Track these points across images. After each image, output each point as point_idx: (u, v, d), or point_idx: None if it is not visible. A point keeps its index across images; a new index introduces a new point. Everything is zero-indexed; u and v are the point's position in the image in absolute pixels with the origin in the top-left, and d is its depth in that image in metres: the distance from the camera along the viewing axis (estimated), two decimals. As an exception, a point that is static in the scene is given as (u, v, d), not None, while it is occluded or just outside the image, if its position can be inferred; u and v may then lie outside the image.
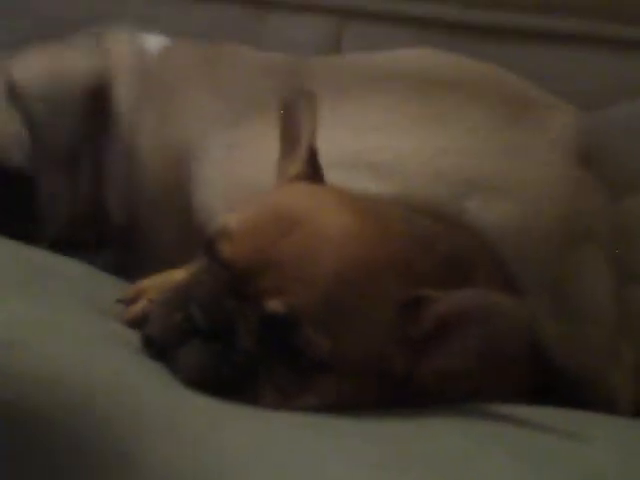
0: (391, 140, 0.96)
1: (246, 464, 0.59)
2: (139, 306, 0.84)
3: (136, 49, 1.16)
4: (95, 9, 1.32)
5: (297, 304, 0.70)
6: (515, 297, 0.75)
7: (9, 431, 0.61)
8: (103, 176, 1.14)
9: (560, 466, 0.65)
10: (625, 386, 0.94)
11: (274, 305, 0.70)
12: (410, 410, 0.73)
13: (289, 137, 0.84)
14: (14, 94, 1.13)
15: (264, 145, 0.91)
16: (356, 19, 1.22)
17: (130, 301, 0.86)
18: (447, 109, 0.97)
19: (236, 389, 0.70)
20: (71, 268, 0.97)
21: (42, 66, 1.14)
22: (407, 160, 0.94)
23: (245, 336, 0.71)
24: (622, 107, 1.09)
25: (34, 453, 0.60)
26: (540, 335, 0.89)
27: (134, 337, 0.77)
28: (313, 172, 0.82)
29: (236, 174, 1.00)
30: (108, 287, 0.95)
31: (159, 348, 0.73)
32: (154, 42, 1.18)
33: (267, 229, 0.73)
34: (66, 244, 1.11)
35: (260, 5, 1.25)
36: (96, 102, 1.13)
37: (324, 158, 0.83)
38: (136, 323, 0.81)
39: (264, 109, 1.01)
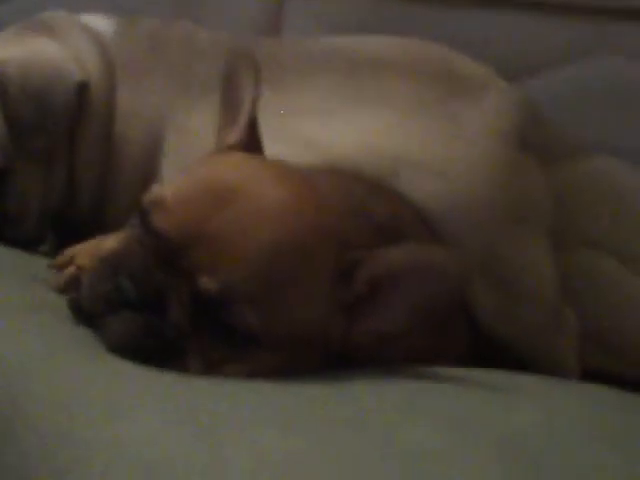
0: (327, 120, 0.97)
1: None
2: (69, 271, 0.83)
3: (92, 34, 1.14)
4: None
5: (229, 281, 0.69)
6: (446, 251, 0.75)
7: None
8: (77, 164, 1.12)
9: (480, 427, 0.65)
10: (570, 352, 0.94)
11: (206, 282, 0.69)
12: (339, 373, 0.73)
13: (230, 104, 0.83)
14: None
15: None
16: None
17: (61, 267, 0.86)
18: (382, 91, 0.98)
19: (165, 358, 0.70)
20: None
21: (26, 59, 1.10)
22: (341, 139, 0.95)
23: (176, 309, 0.70)
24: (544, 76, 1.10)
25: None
26: (478, 312, 0.89)
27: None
28: (252, 141, 0.81)
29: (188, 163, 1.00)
30: (40, 258, 0.96)
31: (87, 315, 0.73)
32: (104, 24, 1.15)
33: (201, 201, 0.72)
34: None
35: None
36: (79, 96, 1.10)
37: (263, 132, 0.82)
38: (65, 289, 0.81)
39: (214, 93, 1.00)
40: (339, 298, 0.73)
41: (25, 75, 1.08)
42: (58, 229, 1.14)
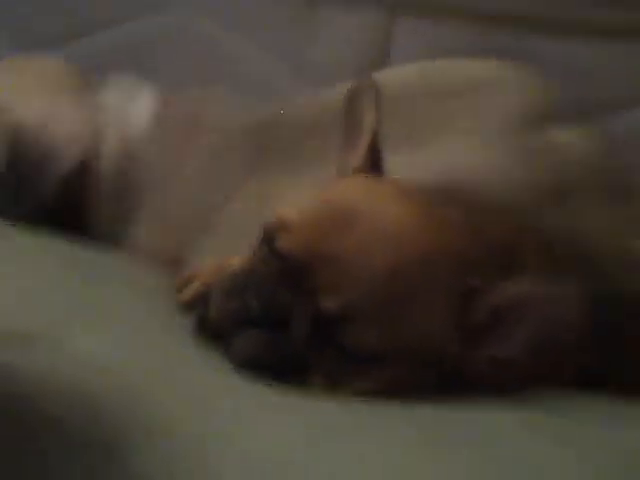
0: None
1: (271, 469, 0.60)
2: (192, 288, 0.86)
3: (123, 119, 1.13)
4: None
5: (350, 302, 0.72)
6: (564, 284, 0.75)
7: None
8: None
9: (604, 451, 0.67)
10: None
11: (327, 303, 0.72)
12: (460, 397, 0.75)
13: (351, 128, 0.85)
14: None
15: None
16: (406, 12, 1.22)
17: (182, 286, 0.88)
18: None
19: (287, 374, 0.72)
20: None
21: (42, 121, 1.09)
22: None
23: (299, 326, 0.73)
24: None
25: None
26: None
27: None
28: (374, 164, 0.84)
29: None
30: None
31: (212, 332, 0.76)
32: (143, 107, 1.14)
33: (325, 224, 0.75)
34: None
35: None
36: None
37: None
38: (192, 305, 0.83)
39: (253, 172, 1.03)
40: (458, 321, 0.75)
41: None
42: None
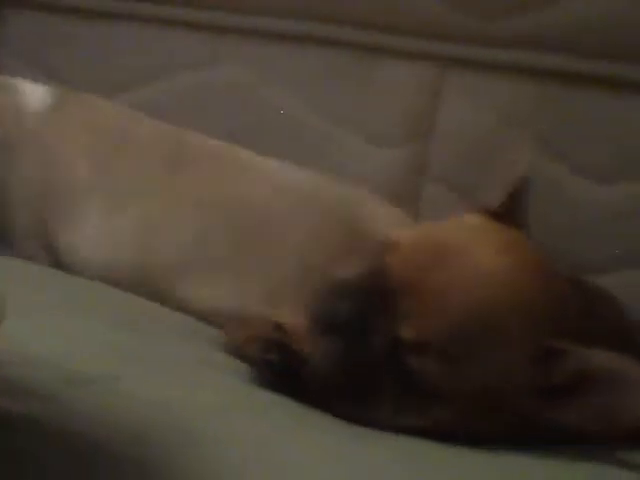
0: None
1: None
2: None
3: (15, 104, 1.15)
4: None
5: (426, 332, 0.74)
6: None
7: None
8: None
9: None
10: None
11: (406, 332, 0.75)
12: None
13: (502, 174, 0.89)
14: None
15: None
16: (458, 66, 1.23)
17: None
18: None
19: (355, 395, 0.76)
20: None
21: None
22: None
23: (377, 344, 0.76)
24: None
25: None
26: None
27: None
28: (509, 213, 0.87)
29: None
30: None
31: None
32: (37, 98, 1.16)
33: (428, 254, 0.78)
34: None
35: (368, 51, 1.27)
36: None
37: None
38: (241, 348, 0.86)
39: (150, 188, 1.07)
40: (535, 377, 0.76)
41: None
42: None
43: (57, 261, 1.09)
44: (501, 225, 0.85)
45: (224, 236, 1.04)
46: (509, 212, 0.87)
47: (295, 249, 1.01)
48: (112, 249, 1.06)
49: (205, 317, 0.99)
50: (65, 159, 1.12)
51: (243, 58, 1.32)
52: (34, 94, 1.16)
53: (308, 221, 1.04)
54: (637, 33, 1.13)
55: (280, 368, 0.79)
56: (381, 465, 0.68)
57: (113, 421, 0.66)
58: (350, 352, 0.76)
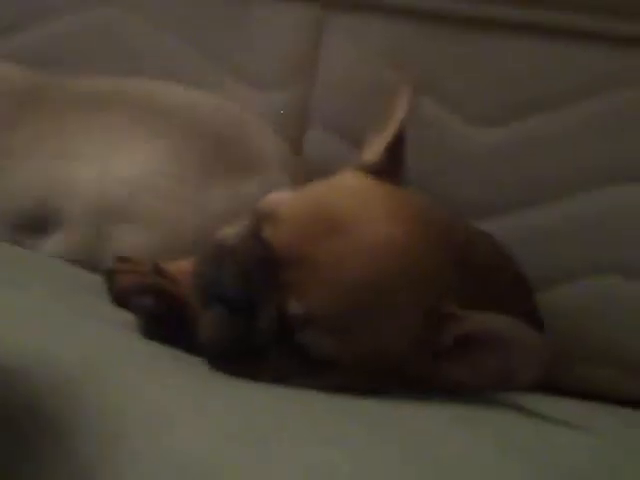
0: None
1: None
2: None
3: None
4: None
5: (315, 307, 0.72)
6: (540, 333, 0.77)
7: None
8: None
9: (537, 450, 0.67)
10: None
11: (293, 304, 0.72)
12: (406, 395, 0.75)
13: (383, 122, 0.85)
14: None
15: None
16: (338, 7, 1.20)
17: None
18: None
19: (241, 359, 0.73)
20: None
21: None
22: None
23: (264, 320, 0.73)
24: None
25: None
26: None
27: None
28: (391, 165, 0.83)
29: None
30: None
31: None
32: None
33: (310, 226, 0.75)
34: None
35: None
36: None
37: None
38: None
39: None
40: (424, 341, 0.75)
41: None
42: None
43: None
44: (382, 182, 0.81)
45: None
46: (389, 164, 0.83)
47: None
48: None
49: None
50: None
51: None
52: None
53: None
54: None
55: (156, 312, 0.77)
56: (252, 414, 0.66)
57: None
58: (235, 323, 0.73)
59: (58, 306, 0.80)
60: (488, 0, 1.14)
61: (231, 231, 0.79)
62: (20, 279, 0.86)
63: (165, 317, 0.78)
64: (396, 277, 0.74)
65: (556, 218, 1.11)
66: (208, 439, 0.60)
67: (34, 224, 1.04)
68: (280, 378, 0.73)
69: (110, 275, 0.89)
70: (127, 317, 0.81)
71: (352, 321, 0.73)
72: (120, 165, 1.03)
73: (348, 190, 0.79)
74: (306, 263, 0.73)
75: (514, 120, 1.14)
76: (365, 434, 0.64)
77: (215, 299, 0.74)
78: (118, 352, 0.72)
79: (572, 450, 0.69)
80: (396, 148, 0.83)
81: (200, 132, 1.06)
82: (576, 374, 1.08)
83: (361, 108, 1.17)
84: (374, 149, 0.84)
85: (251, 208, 0.78)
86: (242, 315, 0.73)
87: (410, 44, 1.17)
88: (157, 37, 1.26)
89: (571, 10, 1.12)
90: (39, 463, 0.60)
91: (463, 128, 1.15)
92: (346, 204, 0.76)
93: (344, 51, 1.20)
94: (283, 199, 0.78)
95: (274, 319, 0.73)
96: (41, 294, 0.83)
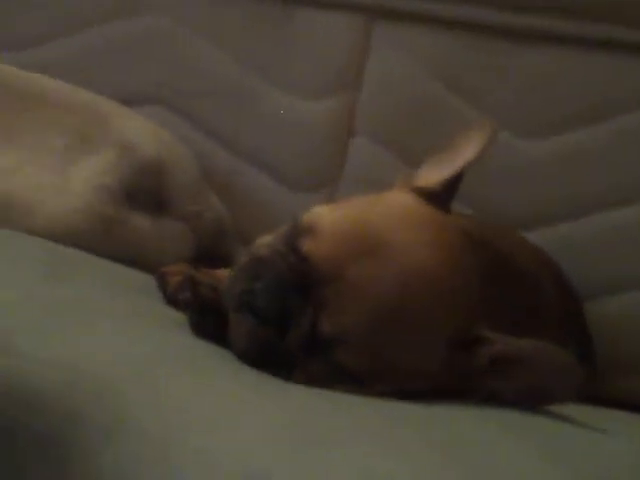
0: None
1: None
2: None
3: None
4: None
5: (348, 328, 0.73)
6: (571, 354, 0.76)
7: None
8: None
9: (579, 458, 0.68)
10: None
11: (326, 325, 0.73)
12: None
13: (448, 150, 0.84)
14: None
15: None
16: (385, 17, 1.21)
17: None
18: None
19: (273, 367, 0.73)
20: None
21: None
22: None
23: (295, 334, 0.73)
24: None
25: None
26: None
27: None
28: (444, 196, 0.83)
29: None
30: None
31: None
32: None
33: (351, 244, 0.75)
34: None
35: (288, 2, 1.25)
36: None
37: None
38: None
39: None
40: (455, 362, 0.76)
41: None
42: None
43: None
44: (432, 208, 0.81)
45: None
46: (444, 192, 0.83)
47: None
48: None
49: None
50: None
51: (161, 9, 1.28)
52: None
53: None
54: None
55: (195, 305, 0.78)
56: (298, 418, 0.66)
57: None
58: (264, 333, 0.74)
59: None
60: (535, 13, 1.15)
61: (264, 241, 0.80)
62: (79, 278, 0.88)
63: (206, 309, 0.78)
64: (428, 304, 0.74)
65: (598, 230, 1.11)
66: (272, 440, 0.60)
67: None
68: (312, 382, 0.73)
69: (161, 277, 0.90)
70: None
71: (382, 345, 0.73)
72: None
73: (397, 211, 0.79)
74: (342, 281, 0.73)
75: (555, 134, 1.14)
76: (418, 441, 0.64)
77: (247, 307, 0.75)
78: (172, 353, 0.73)
79: (615, 459, 0.70)
80: (456, 181, 0.83)
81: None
82: (618, 385, 1.08)
83: (405, 118, 1.17)
84: (432, 176, 0.83)
85: (290, 222, 0.79)
86: (272, 326, 0.74)
87: (456, 55, 1.17)
88: (203, 50, 1.27)
89: (622, 25, 1.12)
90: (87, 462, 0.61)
91: (510, 140, 1.15)
92: (392, 226, 0.77)
93: (390, 61, 1.20)
94: (324, 213, 0.78)
95: (305, 335, 0.73)
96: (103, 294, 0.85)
